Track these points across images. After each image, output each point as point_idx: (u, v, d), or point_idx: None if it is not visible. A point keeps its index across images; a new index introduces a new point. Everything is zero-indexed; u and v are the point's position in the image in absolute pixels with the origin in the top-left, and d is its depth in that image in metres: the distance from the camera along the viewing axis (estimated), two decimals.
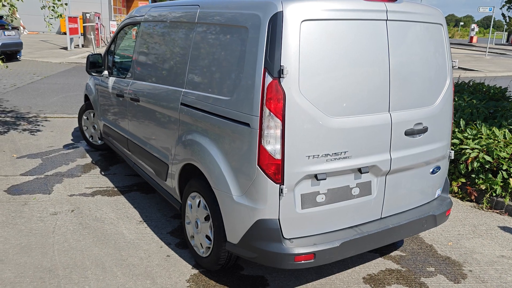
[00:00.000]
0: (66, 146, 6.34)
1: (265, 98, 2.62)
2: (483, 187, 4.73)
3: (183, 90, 3.45)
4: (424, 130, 3.15)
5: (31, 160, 5.68)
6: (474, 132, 5.15)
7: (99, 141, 6.10)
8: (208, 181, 3.09)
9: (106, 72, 5.20)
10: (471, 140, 5.00)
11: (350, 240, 2.87)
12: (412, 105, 3.09)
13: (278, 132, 2.63)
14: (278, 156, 2.66)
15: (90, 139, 6.21)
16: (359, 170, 2.90)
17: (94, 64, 5.26)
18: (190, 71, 3.39)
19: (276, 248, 2.74)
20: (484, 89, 7.09)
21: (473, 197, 4.81)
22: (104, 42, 25.13)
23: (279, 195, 2.70)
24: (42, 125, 7.42)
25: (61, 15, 6.47)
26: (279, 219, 2.74)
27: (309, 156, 2.71)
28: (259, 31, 2.67)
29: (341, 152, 2.80)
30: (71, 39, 21.28)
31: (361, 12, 2.81)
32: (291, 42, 2.59)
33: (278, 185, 2.69)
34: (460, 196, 4.92)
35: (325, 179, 2.76)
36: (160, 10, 4.13)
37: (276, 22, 2.60)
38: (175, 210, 4.27)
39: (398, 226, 3.09)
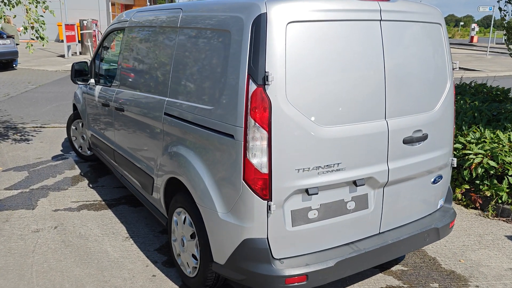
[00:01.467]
0: (55, 158, 6.13)
1: (249, 107, 2.41)
2: (488, 193, 4.50)
3: (167, 99, 3.24)
4: (424, 137, 2.93)
5: (17, 173, 5.48)
6: (477, 135, 4.93)
7: (88, 152, 5.89)
8: (193, 197, 2.88)
9: (92, 80, 5.00)
10: (474, 144, 4.78)
11: (346, 259, 2.64)
12: (410, 111, 2.87)
13: (264, 144, 2.42)
14: (265, 170, 2.44)
15: (79, 150, 6.00)
16: (354, 182, 2.68)
17: (80, 72, 5.06)
18: (173, 79, 3.18)
19: (265, 270, 2.52)
20: (486, 90, 6.87)
21: (477, 205, 4.58)
22: None
23: (267, 212, 2.48)
24: (32, 136, 7.22)
25: (43, 38, 6.18)
26: (267, 238, 2.52)
27: (298, 170, 2.49)
28: (242, 34, 2.46)
29: (333, 164, 2.58)
30: (69, 47, 21.15)
31: (352, 12, 2.59)
32: (276, 46, 2.38)
33: (266, 201, 2.47)
34: (464, 203, 4.69)
35: (317, 193, 2.54)
36: (144, 15, 3.93)
37: (259, 25, 2.39)
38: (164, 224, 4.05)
39: (398, 241, 2.87)
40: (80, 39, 22.61)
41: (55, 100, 10.45)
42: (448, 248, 3.82)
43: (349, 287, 3.23)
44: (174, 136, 3.12)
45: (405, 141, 2.84)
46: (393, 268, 3.49)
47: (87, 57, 21.04)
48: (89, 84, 5.04)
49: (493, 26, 29.85)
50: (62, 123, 8.11)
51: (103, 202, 4.65)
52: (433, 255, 3.70)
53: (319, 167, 2.54)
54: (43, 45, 6.44)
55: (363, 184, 2.71)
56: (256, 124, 2.41)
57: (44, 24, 5.89)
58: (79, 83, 5.06)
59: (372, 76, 2.67)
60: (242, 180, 2.47)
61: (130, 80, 3.99)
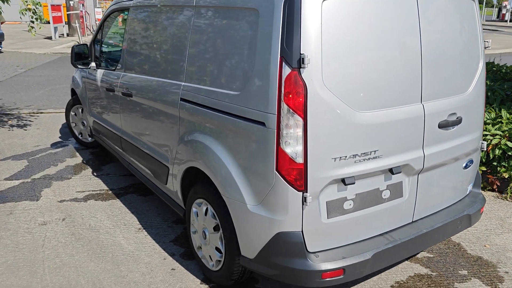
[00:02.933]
0: (54, 145, 5.90)
1: (282, 92, 2.24)
2: (506, 175, 4.41)
3: (183, 83, 3.04)
4: (458, 121, 2.79)
5: (16, 162, 5.25)
6: (493, 116, 4.81)
7: (89, 138, 5.68)
8: (217, 187, 2.72)
9: (93, 64, 4.76)
10: (490, 125, 4.66)
11: (382, 251, 2.52)
12: (445, 94, 2.72)
13: (299, 131, 2.25)
14: (300, 160, 2.28)
15: (80, 137, 5.78)
16: (390, 170, 2.54)
17: (79, 56, 4.81)
18: (189, 63, 2.98)
19: (300, 265, 2.39)
20: (495, 69, 6.74)
21: (495, 187, 4.49)
22: (90, 30, 24.39)
23: (302, 204, 2.33)
24: (27, 122, 6.96)
25: (41, 19, 5.98)
26: (302, 231, 2.38)
27: (335, 158, 2.34)
28: (273, 13, 2.27)
29: (370, 152, 2.43)
30: (55, 28, 20.57)
31: None
32: (311, 25, 2.19)
33: (301, 192, 2.32)
34: (482, 186, 4.60)
35: (353, 183, 2.40)
36: None
37: (293, 2, 2.20)
38: (177, 214, 3.89)
39: (433, 230, 2.75)
40: (67, 20, 22.00)
41: (47, 84, 10.12)
42: (472, 233, 3.73)
43: (377, 277, 3.12)
44: (193, 123, 2.94)
45: (440, 126, 2.69)
46: (419, 256, 3.39)
47: (75, 39, 20.49)
48: (89, 68, 4.79)
49: (480, 3, 29.64)
50: (57, 108, 7.84)
51: (110, 192, 4.47)
52: (457, 241, 3.60)
53: (356, 155, 2.39)
54: (40, 28, 6.19)
55: (400, 172, 2.57)
56: (290, 110, 2.24)
57: (40, 5, 5.60)
58: (80, 67, 4.81)
59: (409, 56, 2.50)
60: (274, 170, 2.32)
61: (137, 64, 3.77)
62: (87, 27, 23.68)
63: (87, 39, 21.99)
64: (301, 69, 2.20)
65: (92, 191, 4.49)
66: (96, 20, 24.38)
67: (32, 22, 6.10)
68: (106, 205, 4.17)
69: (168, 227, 3.79)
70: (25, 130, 6.56)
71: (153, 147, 3.59)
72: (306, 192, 2.32)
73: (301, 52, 2.19)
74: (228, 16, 2.63)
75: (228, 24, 2.62)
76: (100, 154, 5.56)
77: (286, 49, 2.21)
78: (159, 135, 3.44)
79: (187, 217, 3.23)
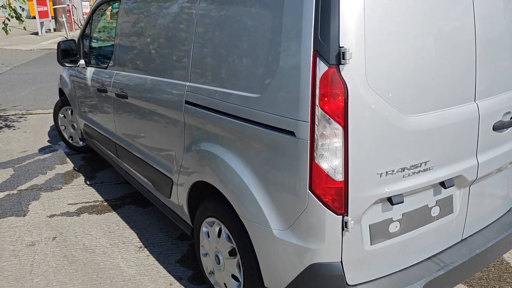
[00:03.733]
0: (43, 150, 5.44)
1: (317, 94, 1.81)
2: None
3: (188, 84, 2.61)
4: None
5: (1, 171, 4.79)
6: None
7: (81, 142, 5.22)
8: (233, 206, 2.31)
9: (82, 62, 4.30)
10: None
11: (434, 279, 2.12)
12: (499, 90, 2.31)
13: (339, 142, 1.84)
14: (339, 177, 1.87)
15: (70, 141, 5.32)
16: (442, 184, 2.13)
17: (67, 53, 4.34)
18: (195, 60, 2.54)
19: None
20: None
21: None
22: (78, 25, 23.74)
23: (342, 230, 1.92)
24: (13, 125, 6.48)
25: (20, 18, 5.53)
26: (341, 261, 1.97)
27: (381, 173, 1.93)
28: None
29: (421, 163, 2.02)
30: (42, 23, 19.93)
31: None
32: (353, 12, 1.77)
33: (340, 216, 1.91)
34: None
35: (402, 202, 1.99)
36: None
37: None
38: (181, 228, 3.47)
39: (485, 250, 2.35)
40: (53, 15, 21.34)
41: (34, 82, 9.60)
42: None
43: None
44: (201, 130, 2.51)
45: (495, 127, 2.29)
46: None
47: (63, 34, 19.87)
48: (78, 66, 4.33)
49: None
50: (45, 108, 7.35)
51: (106, 203, 4.04)
52: None
53: (404, 168, 1.98)
54: (24, 28, 5.74)
55: (452, 185, 2.16)
56: (328, 117, 1.82)
57: (24, 2, 5.13)
58: (67, 65, 4.34)
59: (463, 47, 2.09)
60: (308, 190, 1.90)
61: (132, 61, 3.32)
62: (74, 22, 23.03)
63: (75, 34, 21.37)
64: (340, 65, 1.78)
65: (85, 202, 4.05)
66: (83, 14, 23.72)
67: (8, 19, 5.61)
68: (101, 220, 3.74)
69: (173, 244, 3.37)
70: (11, 133, 6.08)
71: (153, 156, 3.16)
72: (347, 215, 1.91)
73: (341, 45, 1.76)
74: (242, 1, 2.19)
75: (242, 12, 2.18)
76: (92, 159, 5.12)
77: (321, 41, 1.78)
78: (160, 143, 3.01)
79: (195, 236, 2.81)
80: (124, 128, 3.56)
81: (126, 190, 4.30)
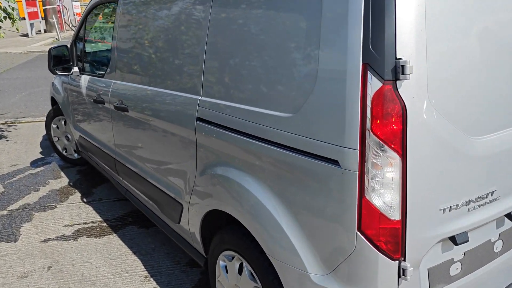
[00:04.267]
0: (35, 163, 5.08)
1: (368, 117, 1.49)
2: None
3: (199, 98, 2.27)
4: None
5: None
6: None
7: (75, 155, 4.86)
8: (257, 240, 1.98)
9: (76, 69, 3.95)
10: None
11: None
12: None
13: (395, 174, 1.51)
14: (396, 216, 1.54)
15: (64, 153, 4.96)
16: (508, 215, 1.82)
17: (59, 59, 3.98)
18: (208, 70, 2.20)
19: None
20: None
21: None
22: (69, 26, 23.26)
23: (398, 278, 1.60)
24: (2, 135, 6.10)
25: (13, 17, 5.22)
26: None
27: (444, 209, 1.60)
28: None
29: (487, 194, 1.70)
30: (32, 25, 19.46)
31: None
32: (412, 15, 1.44)
33: (397, 261, 1.58)
34: None
35: (467, 241, 1.67)
36: None
37: None
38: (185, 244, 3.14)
39: None
40: (43, 16, 20.85)
41: (25, 87, 9.19)
42: None
43: None
44: (217, 152, 2.18)
45: None
46: None
47: (53, 35, 19.40)
48: (71, 74, 3.97)
49: None
50: (37, 116, 6.97)
51: (105, 224, 3.69)
52: None
53: (470, 201, 1.66)
54: (17, 29, 5.41)
55: None
56: (381, 143, 1.49)
57: (13, 1, 4.77)
58: (59, 73, 3.98)
59: None
60: (356, 230, 1.57)
61: (132, 69, 2.98)
62: (65, 22, 22.56)
63: (66, 35, 20.92)
64: (397, 81, 1.46)
65: (83, 224, 3.70)
66: (74, 15, 23.24)
67: (1, 21, 5.24)
68: (101, 244, 3.39)
69: (182, 272, 3.03)
70: (0, 145, 5.70)
71: (159, 177, 2.81)
72: (404, 260, 1.58)
73: (398, 56, 1.44)
74: (267, 1, 1.85)
75: (267, 14, 1.84)
76: (89, 173, 4.76)
77: (373, 51, 1.46)
78: (167, 163, 2.67)
79: (210, 269, 2.48)
80: (125, 143, 3.22)
81: (126, 208, 3.96)
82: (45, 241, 3.45)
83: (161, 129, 2.63)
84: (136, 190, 3.26)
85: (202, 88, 2.26)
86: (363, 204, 1.54)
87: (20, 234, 3.56)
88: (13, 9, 5.50)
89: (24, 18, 19.06)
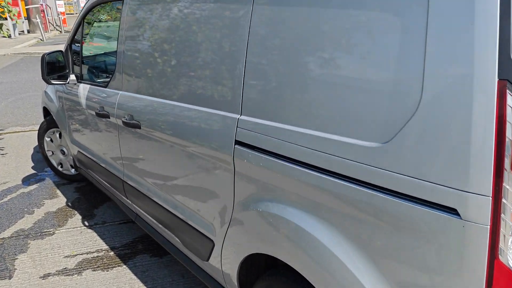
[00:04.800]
0: (27, 180, 4.60)
1: (509, 154, 1.09)
2: None
3: (239, 117, 1.85)
4: None
5: None
6: None
7: (72, 170, 4.40)
8: None
9: (73, 77, 3.50)
10: None
11: None
12: None
13: None
14: None
15: (59, 168, 4.49)
16: None
17: (53, 67, 3.52)
18: (251, 81, 1.78)
19: None
20: None
21: None
22: (53, 25, 22.56)
23: None
24: None
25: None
26: None
27: None
28: None
29: None
30: (14, 25, 18.73)
31: None
32: None
33: None
34: None
35: None
36: None
37: None
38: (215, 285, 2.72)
39: None
40: (26, 16, 20.15)
41: (11, 93, 8.65)
42: None
43: None
44: (264, 184, 1.76)
45: None
46: None
47: (37, 36, 18.74)
48: (68, 83, 3.52)
49: None
50: (26, 125, 6.47)
51: (112, 253, 3.26)
52: None
53: None
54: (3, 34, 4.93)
55: None
56: None
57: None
58: (55, 82, 3.51)
59: None
60: None
61: (145, 79, 2.54)
62: (49, 22, 21.85)
63: (51, 35, 20.25)
64: None
65: (87, 253, 3.26)
66: (58, 14, 22.53)
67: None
68: (109, 279, 2.96)
69: None
70: None
71: (182, 206, 2.39)
72: None
73: None
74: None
75: (337, 11, 1.43)
76: (88, 191, 4.31)
77: None
78: (193, 192, 2.25)
79: None
80: (136, 164, 2.78)
81: (135, 232, 3.52)
82: (45, 276, 3.01)
83: (186, 151, 2.21)
84: (150, 218, 2.83)
85: (242, 105, 1.84)
86: (496, 268, 1.15)
87: (15, 269, 3.10)
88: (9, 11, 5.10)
89: (6, 18, 18.36)
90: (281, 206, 1.71)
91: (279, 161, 1.66)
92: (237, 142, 1.86)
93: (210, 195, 2.11)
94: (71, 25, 24.98)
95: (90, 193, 4.24)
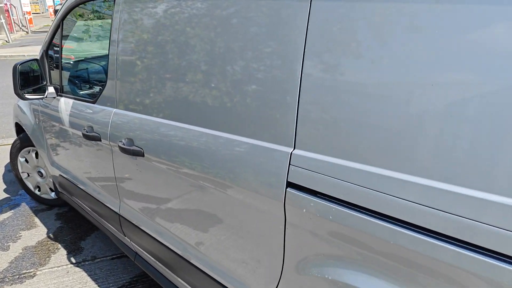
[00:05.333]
0: None
1: None
2: None
3: (292, 151, 1.38)
4: None
5: None
6: None
7: (52, 194, 3.84)
8: None
9: (51, 89, 2.95)
10: None
11: None
12: None
13: None
14: None
15: (37, 192, 3.92)
16: None
17: (26, 78, 2.96)
18: (308, 102, 1.32)
19: None
20: None
21: None
22: (19, 26, 21.46)
23: None
24: None
25: None
26: None
27: None
28: None
29: None
30: None
31: None
32: None
33: None
34: None
35: None
36: None
37: None
38: None
39: None
40: None
41: None
42: None
43: None
44: (330, 241, 1.31)
45: None
46: None
47: (2, 37, 17.72)
48: (46, 97, 2.97)
49: None
50: None
51: None
52: None
53: None
54: None
55: None
56: None
57: None
58: (30, 97, 2.95)
59: None
60: None
61: (153, 96, 2.03)
62: (14, 23, 20.77)
63: (17, 36, 19.22)
64: None
65: None
66: (24, 14, 21.45)
67: None
68: None
69: None
70: None
71: (207, 259, 1.91)
72: None
73: None
74: None
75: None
76: (72, 218, 3.76)
77: None
78: (226, 242, 1.77)
79: None
80: (139, 199, 2.28)
81: (132, 270, 3.01)
82: None
83: (213, 191, 1.72)
84: (155, 260, 2.33)
85: (296, 134, 1.37)
86: None
87: None
88: None
89: None
90: (357, 274, 1.26)
91: (361, 216, 1.21)
92: (290, 184, 1.40)
93: (250, 251, 1.64)
94: (38, 25, 23.86)
95: (74, 221, 3.70)
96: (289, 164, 1.39)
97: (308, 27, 1.30)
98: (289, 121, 1.38)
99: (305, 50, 1.32)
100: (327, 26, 1.25)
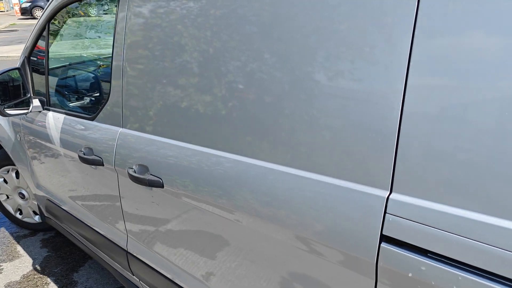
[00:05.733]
0: None
1: None
2: None
3: (388, 195, 1.05)
4: None
5: None
6: None
7: (36, 217, 3.41)
8: None
9: (37, 102, 2.54)
10: None
11: None
12: None
13: None
14: None
15: (18, 215, 3.48)
16: None
17: (6, 91, 2.52)
18: (413, 127, 0.99)
19: None
20: None
21: None
22: None
23: None
24: None
25: None
26: None
27: None
28: None
29: None
30: None
31: None
32: None
33: None
34: None
35: None
36: None
37: None
38: None
39: None
40: None
41: None
42: None
43: None
44: None
45: None
46: None
47: None
48: (30, 111, 2.55)
49: None
50: None
51: None
52: None
53: None
54: None
55: None
56: None
57: None
58: (12, 112, 2.52)
59: None
60: None
61: (179, 114, 1.66)
62: None
63: None
64: None
65: None
66: None
67: None
68: None
69: None
70: None
71: None
72: None
73: None
74: None
75: None
76: (60, 245, 3.33)
77: None
78: None
79: None
80: (154, 236, 1.91)
81: None
82: None
83: (267, 239, 1.38)
84: None
85: (394, 173, 1.05)
86: None
87: None
88: None
89: None
90: None
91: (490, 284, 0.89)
92: (386, 238, 1.07)
93: None
94: (3, 24, 22.73)
95: (63, 248, 3.27)
96: (385, 212, 1.07)
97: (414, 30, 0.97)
98: (385, 155, 1.05)
99: (411, 53, 0.99)
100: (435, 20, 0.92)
